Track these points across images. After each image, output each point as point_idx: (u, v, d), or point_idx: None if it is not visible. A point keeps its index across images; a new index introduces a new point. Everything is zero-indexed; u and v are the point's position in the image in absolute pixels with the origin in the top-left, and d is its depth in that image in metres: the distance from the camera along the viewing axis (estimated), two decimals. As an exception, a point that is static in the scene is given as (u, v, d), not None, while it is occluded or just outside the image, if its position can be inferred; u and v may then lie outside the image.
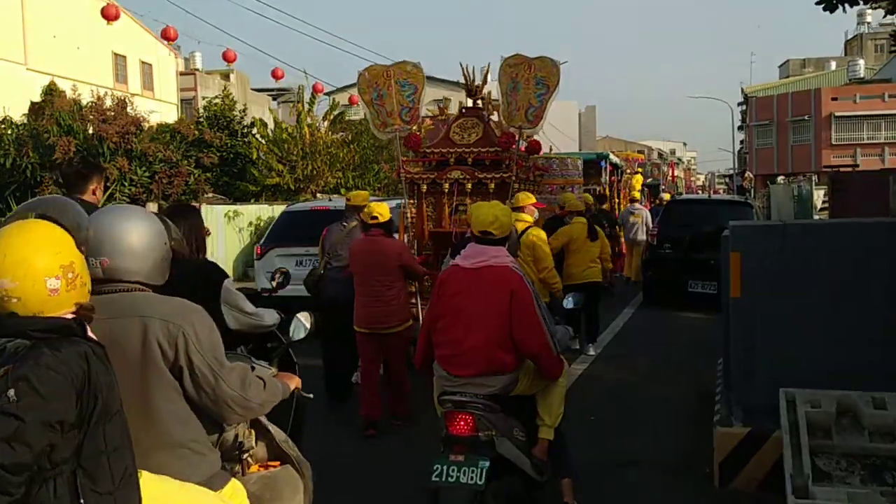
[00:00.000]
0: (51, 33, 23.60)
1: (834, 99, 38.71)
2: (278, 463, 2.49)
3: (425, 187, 6.92)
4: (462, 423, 3.07)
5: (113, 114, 14.45)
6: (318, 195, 20.16)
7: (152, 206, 13.92)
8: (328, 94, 29.74)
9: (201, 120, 19.02)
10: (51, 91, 18.44)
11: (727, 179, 68.42)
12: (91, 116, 13.81)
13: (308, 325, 2.97)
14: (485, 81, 7.22)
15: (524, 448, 3.25)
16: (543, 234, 6.35)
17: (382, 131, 7.16)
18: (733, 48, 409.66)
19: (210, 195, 18.04)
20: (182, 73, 33.59)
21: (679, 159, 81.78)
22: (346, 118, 22.12)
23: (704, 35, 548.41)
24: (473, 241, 3.37)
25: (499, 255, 3.29)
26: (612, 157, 17.81)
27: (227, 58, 14.17)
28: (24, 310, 1.66)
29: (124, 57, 27.63)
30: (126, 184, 13.85)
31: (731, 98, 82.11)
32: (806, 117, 39.22)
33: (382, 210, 5.46)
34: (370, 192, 20.99)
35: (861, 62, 44.34)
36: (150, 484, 1.88)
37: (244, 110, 20.42)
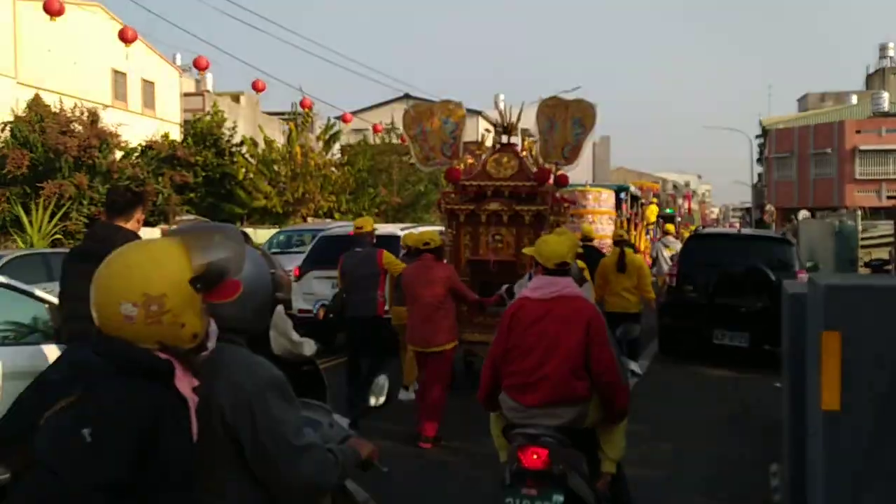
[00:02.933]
0: (45, 47, 22.73)
1: (858, 132, 37.30)
2: None
3: (463, 217, 7.30)
4: (535, 456, 3.00)
5: (81, 127, 13.19)
6: (310, 219, 18.90)
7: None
8: (337, 118, 28.79)
9: (187, 137, 17.77)
10: (35, 105, 17.35)
11: (743, 213, 66.74)
12: (49, 127, 12.50)
13: (385, 394, 2.73)
14: (518, 119, 7.57)
15: (589, 482, 3.16)
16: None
17: (425, 165, 7.68)
18: (750, 81, 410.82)
19: (191, 217, 16.70)
20: (190, 94, 32.54)
21: (694, 192, 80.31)
22: (339, 140, 20.89)
23: (720, 68, 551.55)
24: (540, 274, 3.35)
25: (569, 285, 3.31)
26: (632, 188, 17.39)
27: (198, 65, 12.98)
28: (104, 328, 1.50)
29: (124, 74, 26.71)
30: (84, 202, 12.42)
31: (748, 132, 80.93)
32: (828, 150, 37.78)
33: (433, 237, 6.01)
34: (368, 217, 19.72)
35: (885, 95, 42.87)
36: None
37: (234, 128, 19.18)
